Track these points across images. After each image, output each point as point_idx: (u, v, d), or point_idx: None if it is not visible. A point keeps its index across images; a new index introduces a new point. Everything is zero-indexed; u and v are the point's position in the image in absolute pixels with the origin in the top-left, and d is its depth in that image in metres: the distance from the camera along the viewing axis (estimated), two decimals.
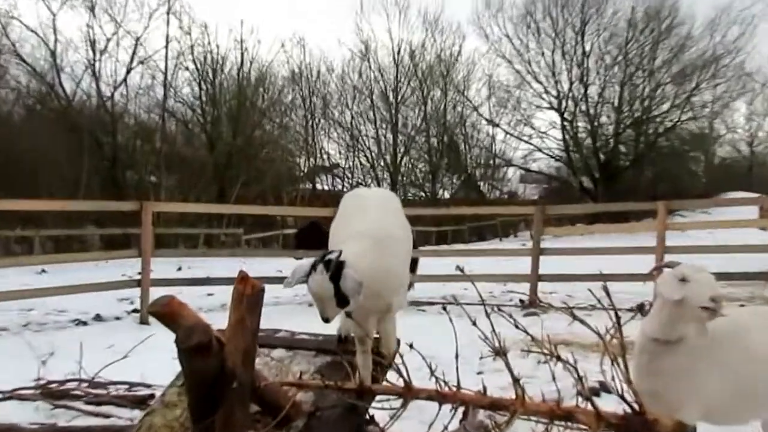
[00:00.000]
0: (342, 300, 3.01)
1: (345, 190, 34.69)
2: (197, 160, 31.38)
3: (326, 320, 3.07)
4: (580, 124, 38.03)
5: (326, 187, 37.50)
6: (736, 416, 2.90)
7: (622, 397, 2.44)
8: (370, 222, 3.46)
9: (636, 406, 2.44)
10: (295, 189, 35.45)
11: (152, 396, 4.28)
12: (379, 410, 3.08)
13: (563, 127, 37.77)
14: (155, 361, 5.22)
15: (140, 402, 4.29)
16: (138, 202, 9.59)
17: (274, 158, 34.60)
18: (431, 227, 30.87)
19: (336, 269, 3.00)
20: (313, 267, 3.02)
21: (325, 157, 38.65)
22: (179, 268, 15.43)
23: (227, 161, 30.81)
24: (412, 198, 37.04)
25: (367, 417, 3.33)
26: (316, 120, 38.14)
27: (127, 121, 31.04)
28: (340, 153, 38.97)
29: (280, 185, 33.49)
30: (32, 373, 4.95)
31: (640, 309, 8.00)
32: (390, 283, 3.35)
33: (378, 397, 3.09)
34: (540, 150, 38.94)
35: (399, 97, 37.82)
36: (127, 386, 4.68)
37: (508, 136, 39.33)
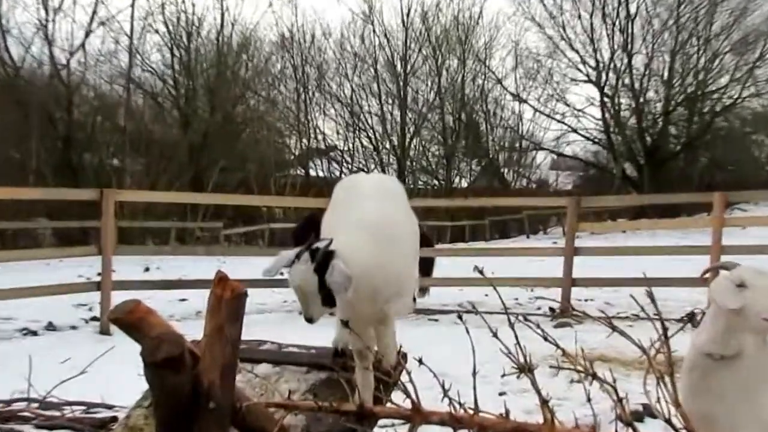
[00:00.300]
0: (329, 296, 3.03)
1: (344, 176, 34.65)
2: (168, 141, 31.37)
3: (309, 320, 3.10)
4: (622, 100, 37.99)
5: (321, 174, 37.48)
6: None
7: (668, 422, 2.45)
8: (366, 211, 3.47)
9: None
10: (284, 175, 35.43)
11: (114, 419, 4.30)
12: None
13: (603, 104, 37.70)
14: (118, 378, 5.24)
15: (100, 426, 4.31)
16: (98, 189, 9.62)
17: (259, 139, 34.62)
18: (445, 221, 30.87)
19: (323, 259, 3.03)
20: (298, 256, 3.04)
21: (320, 137, 38.69)
22: (146, 269, 15.47)
23: (204, 142, 30.81)
24: (423, 187, 37.06)
25: None
26: (310, 94, 38.18)
27: (86, 94, 31.01)
28: (338, 133, 39.02)
29: (266, 171, 33.47)
30: None
31: (691, 319, 7.99)
32: (389, 283, 3.35)
33: (381, 422, 3.10)
34: (575, 131, 38.91)
35: (408, 67, 37.78)
36: (84, 407, 4.70)
37: (537, 114, 39.36)
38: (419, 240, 3.86)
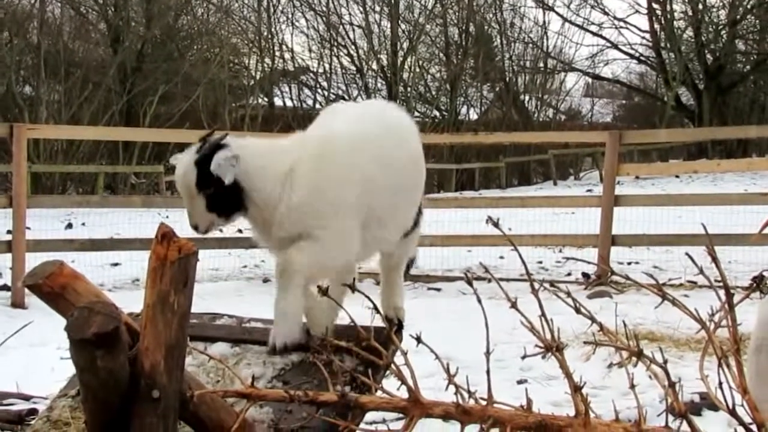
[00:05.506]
0: (216, 199, 3.27)
1: (318, 106, 34.57)
2: (94, 62, 31.14)
3: (195, 227, 3.34)
4: (676, 6, 37.81)
5: (290, 103, 37.34)
6: None
7: (732, 412, 2.47)
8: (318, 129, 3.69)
9: (755, 428, 2.48)
10: (241, 105, 35.29)
11: (33, 412, 4.32)
12: None
13: (651, 12, 37.54)
14: (36, 361, 5.27)
15: (15, 420, 4.34)
16: (6, 124, 9.59)
17: (209, 58, 34.36)
18: (450, 164, 30.87)
19: (210, 150, 3.32)
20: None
21: (287, 56, 38.43)
22: (69, 225, 15.46)
23: (138, 63, 30.62)
24: (420, 119, 36.94)
25: None
26: (275, 0, 37.83)
27: None
28: (310, 51, 38.77)
29: (218, 99, 33.32)
30: None
31: (760, 284, 8.05)
32: (305, 199, 3.45)
33: (371, 415, 3.13)
34: (616, 47, 38.80)
35: None
36: None
37: (566, 25, 39.16)
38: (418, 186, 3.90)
